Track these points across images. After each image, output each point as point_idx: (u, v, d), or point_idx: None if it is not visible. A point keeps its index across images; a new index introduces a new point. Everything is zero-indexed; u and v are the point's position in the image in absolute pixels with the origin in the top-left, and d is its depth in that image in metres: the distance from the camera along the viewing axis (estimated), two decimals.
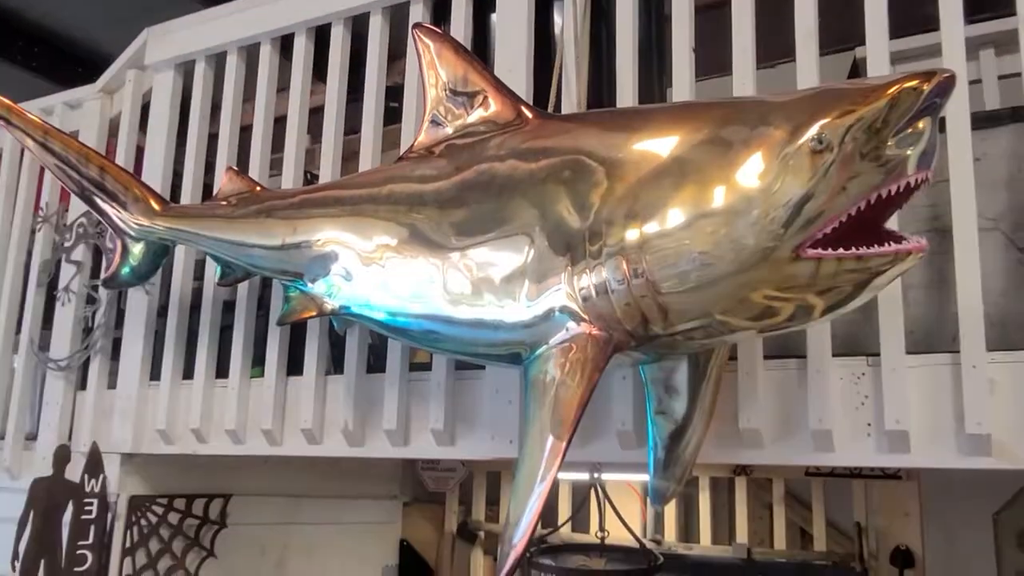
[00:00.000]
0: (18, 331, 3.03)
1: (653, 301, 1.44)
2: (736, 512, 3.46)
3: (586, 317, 1.53)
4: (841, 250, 1.30)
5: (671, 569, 3.48)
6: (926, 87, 1.24)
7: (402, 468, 4.04)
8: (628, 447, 1.98)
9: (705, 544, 3.49)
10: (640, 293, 1.45)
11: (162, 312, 2.74)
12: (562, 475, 3.40)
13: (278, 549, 3.35)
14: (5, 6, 5.44)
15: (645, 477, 2.93)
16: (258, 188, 2.33)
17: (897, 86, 1.25)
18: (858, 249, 1.30)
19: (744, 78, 1.93)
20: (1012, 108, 1.76)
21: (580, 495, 3.64)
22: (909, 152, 1.29)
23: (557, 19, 2.37)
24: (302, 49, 2.64)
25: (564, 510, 3.77)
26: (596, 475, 2.96)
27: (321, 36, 2.62)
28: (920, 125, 1.27)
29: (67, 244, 2.95)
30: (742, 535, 3.41)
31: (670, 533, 3.57)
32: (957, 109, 1.73)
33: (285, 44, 2.70)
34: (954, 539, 3.81)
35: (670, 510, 3.56)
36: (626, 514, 3.53)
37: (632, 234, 1.46)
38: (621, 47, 2.12)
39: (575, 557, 3.38)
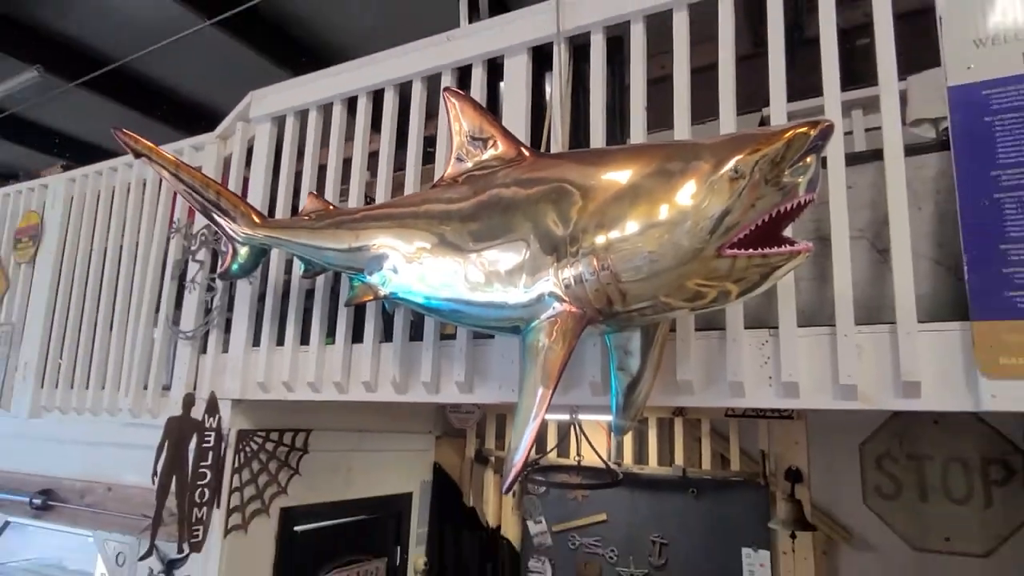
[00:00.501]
0: (157, 311, 3.04)
1: (615, 287, 1.45)
2: (675, 443, 3.46)
3: (567, 299, 1.54)
4: (750, 250, 1.30)
5: (628, 484, 3.49)
6: (812, 132, 1.25)
7: (435, 411, 4.06)
8: (597, 394, 1.97)
9: (653, 466, 3.49)
10: (606, 281, 1.45)
11: (261, 297, 2.74)
12: (549, 416, 3.41)
13: (345, 469, 3.35)
14: (154, 80, 5.49)
15: (609, 416, 2.94)
16: (331, 207, 2.33)
17: (792, 131, 1.26)
18: (763, 250, 1.30)
19: (682, 131, 1.93)
20: (873, 150, 1.75)
21: (563, 431, 3.66)
22: (800, 179, 1.29)
23: (547, 87, 2.36)
24: (363, 107, 2.63)
25: (551, 441, 3.78)
26: (574, 415, 2.98)
27: (377, 98, 2.62)
28: (808, 160, 1.27)
29: (193, 248, 2.97)
30: (679, 459, 3.41)
31: (628, 458, 3.57)
32: (835, 151, 1.72)
33: (351, 104, 2.69)
34: (831, 462, 3.81)
35: (628, 441, 3.56)
36: (596, 444, 3.55)
37: (600, 239, 1.47)
38: (593, 106, 2.12)
39: (559, 474, 3.41)
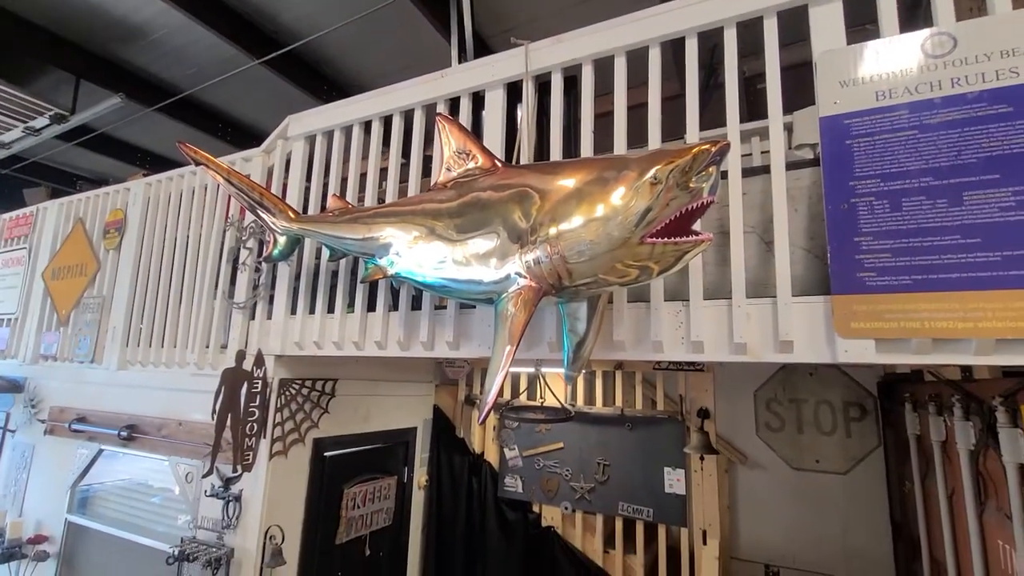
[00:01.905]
0: (216, 287, 2.99)
1: (564, 267, 1.44)
2: (616, 389, 3.48)
3: (528, 277, 1.53)
4: (666, 239, 1.30)
5: (580, 420, 3.51)
6: (713, 149, 1.25)
7: (434, 366, 4.04)
8: (553, 351, 1.97)
9: (599, 407, 3.51)
10: (557, 263, 1.45)
11: (297, 277, 2.70)
12: (520, 369, 3.42)
13: (364, 409, 3.34)
14: (214, 106, 5.32)
15: (563, 368, 2.95)
16: (350, 206, 2.29)
17: (698, 147, 1.25)
18: (676, 239, 1.30)
19: (621, 150, 1.92)
20: (764, 166, 1.75)
21: (531, 379, 3.68)
22: (704, 185, 1.29)
23: (518, 113, 2.33)
24: (376, 130, 2.58)
25: (522, 387, 3.78)
26: (538, 368, 2.98)
27: (388, 122, 2.57)
28: (711, 170, 1.27)
29: (243, 238, 2.91)
30: (619, 402, 3.44)
31: (580, 400, 3.58)
32: (734, 166, 1.73)
33: (367, 126, 2.64)
34: (733, 404, 3.88)
35: (580, 388, 3.58)
36: (556, 390, 3.56)
37: (553, 230, 1.46)
38: (553, 130, 2.10)
39: (527, 412, 3.43)
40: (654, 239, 1.30)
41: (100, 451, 3.38)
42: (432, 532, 3.70)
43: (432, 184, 2.00)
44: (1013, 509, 1.74)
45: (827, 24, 1.67)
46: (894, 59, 1.55)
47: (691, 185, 1.26)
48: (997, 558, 1.95)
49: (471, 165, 1.84)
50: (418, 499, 3.76)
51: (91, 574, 3.23)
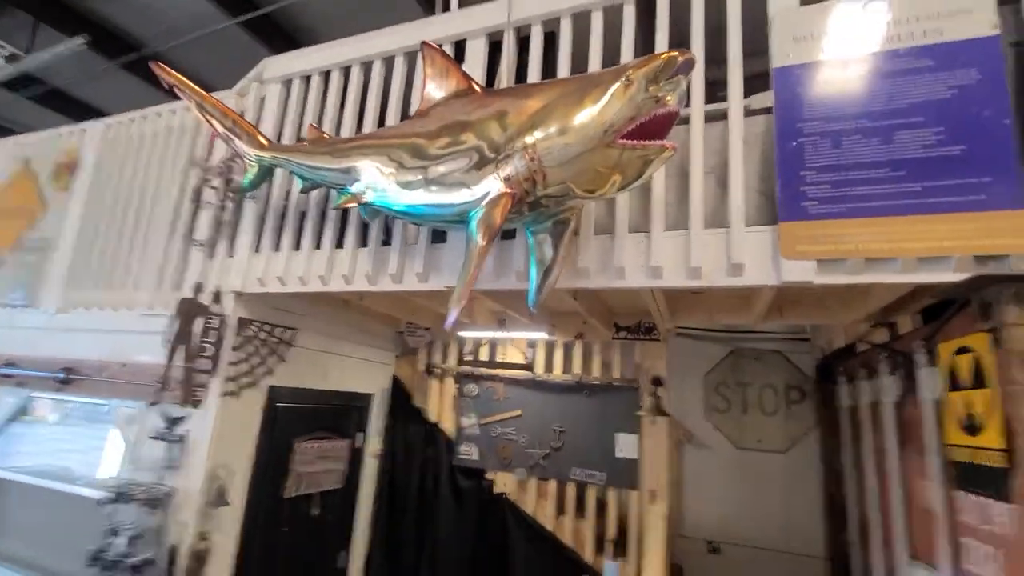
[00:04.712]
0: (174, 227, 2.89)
1: (540, 171, 1.50)
2: (574, 358, 3.54)
3: (503, 184, 1.59)
4: (635, 142, 1.40)
5: (539, 388, 3.56)
6: (680, 57, 1.35)
7: (396, 337, 4.00)
8: (521, 280, 2.01)
9: (558, 374, 3.55)
10: (533, 167, 1.51)
11: (262, 216, 2.65)
12: (484, 332, 3.45)
13: (322, 365, 3.26)
14: (183, 69, 5.11)
15: (528, 335, 2.98)
16: (326, 135, 2.29)
17: (667, 54, 1.35)
18: (643, 142, 1.40)
19: None
20: (722, 111, 1.87)
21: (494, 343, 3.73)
22: (671, 95, 1.39)
23: (500, 69, 2.37)
24: (357, 74, 2.59)
25: (484, 352, 3.80)
26: (502, 324, 3.03)
27: (367, 67, 2.59)
28: (678, 78, 1.37)
29: (208, 177, 2.83)
30: (577, 370, 3.49)
31: (539, 368, 3.62)
32: (696, 117, 1.84)
33: (346, 71, 2.64)
34: (684, 389, 4.05)
35: (540, 356, 3.62)
36: (515, 354, 3.61)
37: (530, 138, 1.52)
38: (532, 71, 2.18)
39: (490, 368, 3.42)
40: (624, 141, 1.38)
41: (29, 398, 3.17)
42: (384, 500, 3.63)
43: (413, 113, 2.03)
44: (927, 442, 1.90)
45: None
46: (840, 19, 1.73)
47: (661, 92, 1.36)
48: (917, 498, 2.12)
49: (451, 90, 1.89)
50: (371, 468, 3.69)
51: (13, 530, 2.99)
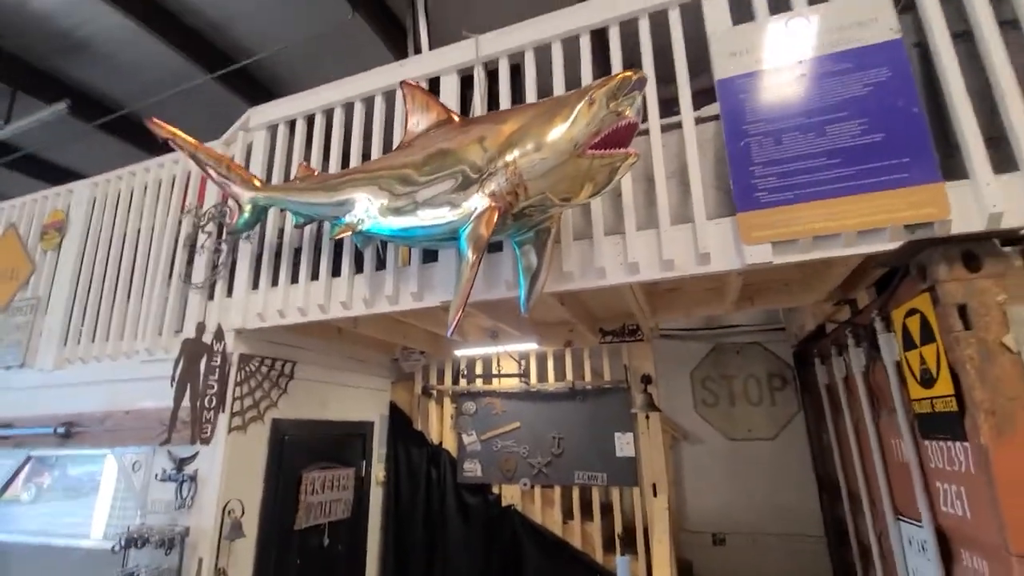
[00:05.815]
0: (170, 276, 2.97)
1: (522, 184, 1.66)
2: (567, 366, 3.66)
3: (488, 200, 1.75)
4: (602, 151, 1.57)
5: (534, 398, 3.67)
6: (634, 76, 1.54)
7: (391, 364, 4.07)
8: (510, 289, 2.13)
9: (551, 383, 3.65)
10: (515, 182, 1.67)
11: (259, 257, 2.75)
12: (477, 349, 3.55)
13: (321, 395, 3.31)
14: None
15: (519, 347, 3.09)
16: (316, 172, 2.42)
17: (622, 74, 1.54)
18: (609, 151, 1.58)
19: None
20: (677, 122, 2.08)
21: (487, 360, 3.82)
22: (629, 108, 1.58)
23: (473, 98, 2.56)
24: (339, 116, 2.73)
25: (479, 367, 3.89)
26: (494, 337, 3.14)
27: (348, 108, 2.75)
28: (635, 95, 1.57)
29: (202, 224, 2.94)
30: (570, 377, 3.61)
31: (534, 379, 3.72)
32: (654, 129, 2.04)
33: (329, 114, 2.79)
34: (672, 386, 4.20)
35: (532, 367, 3.73)
36: (509, 368, 3.72)
37: (510, 156, 1.68)
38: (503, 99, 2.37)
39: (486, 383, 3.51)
40: (592, 151, 1.56)
41: (28, 458, 3.15)
42: (391, 525, 3.65)
43: (397, 145, 2.19)
44: (895, 401, 2.08)
45: (716, 10, 2.08)
46: (769, 34, 1.97)
47: (620, 106, 1.55)
48: (894, 456, 2.28)
49: (431, 121, 2.06)
50: (376, 495, 3.71)
51: None
